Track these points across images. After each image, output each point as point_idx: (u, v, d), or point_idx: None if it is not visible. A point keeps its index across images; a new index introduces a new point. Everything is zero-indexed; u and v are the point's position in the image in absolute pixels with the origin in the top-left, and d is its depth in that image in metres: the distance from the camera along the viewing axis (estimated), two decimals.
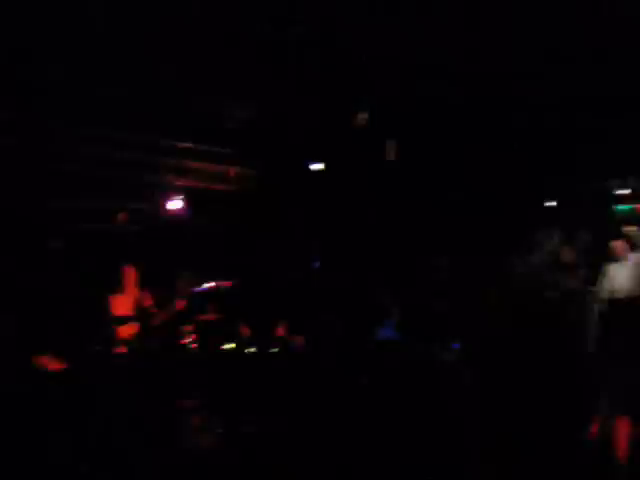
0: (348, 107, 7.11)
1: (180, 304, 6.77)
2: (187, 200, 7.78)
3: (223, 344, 7.99)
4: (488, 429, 6.23)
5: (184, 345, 7.67)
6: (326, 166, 8.28)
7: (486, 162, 8.31)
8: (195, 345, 7.74)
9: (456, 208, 8.60)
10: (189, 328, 7.86)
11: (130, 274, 6.64)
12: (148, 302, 6.70)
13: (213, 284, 7.01)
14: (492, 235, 8.66)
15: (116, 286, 6.58)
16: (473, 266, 8.51)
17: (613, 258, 6.86)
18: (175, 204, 7.69)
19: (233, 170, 8.03)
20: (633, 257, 6.86)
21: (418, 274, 8.75)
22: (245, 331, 8.25)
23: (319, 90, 6.81)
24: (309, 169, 8.20)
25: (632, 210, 9.63)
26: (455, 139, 8.28)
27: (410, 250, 8.83)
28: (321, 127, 7.49)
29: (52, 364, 5.91)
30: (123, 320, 6.50)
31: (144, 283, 6.72)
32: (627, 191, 9.86)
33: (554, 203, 9.44)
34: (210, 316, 8.22)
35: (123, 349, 6.45)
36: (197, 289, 6.91)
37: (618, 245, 6.89)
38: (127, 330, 6.50)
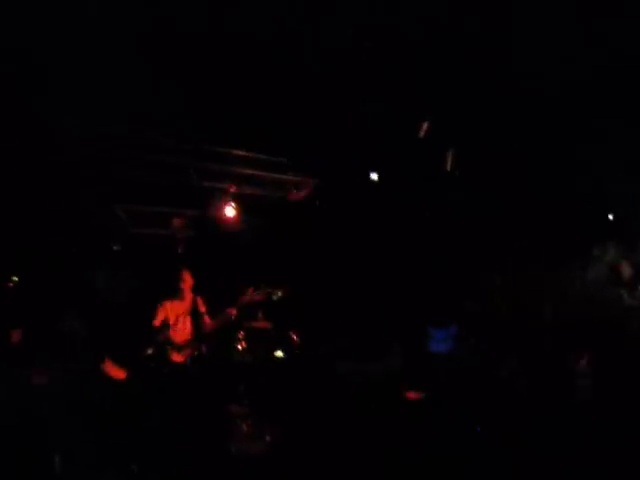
0: (406, 117, 7.07)
1: (233, 311, 6.76)
2: (241, 207, 7.84)
3: (274, 351, 8.04)
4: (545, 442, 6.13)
5: (236, 351, 7.73)
6: (379, 177, 8.24)
7: (543, 174, 8.18)
8: (246, 352, 7.80)
9: (513, 220, 8.47)
10: (241, 335, 7.93)
11: (186, 279, 6.68)
12: (203, 308, 6.72)
13: (265, 291, 6.99)
14: (549, 248, 8.51)
15: (172, 291, 6.63)
16: (530, 279, 8.39)
17: None
18: (230, 211, 7.76)
19: (288, 178, 8.07)
20: None
21: (472, 288, 8.67)
22: (296, 339, 8.29)
23: (377, 99, 6.78)
24: (364, 179, 8.18)
25: None
26: (509, 150, 8.15)
27: (465, 263, 8.75)
28: (376, 136, 7.45)
29: (114, 371, 6.01)
30: (178, 326, 6.54)
31: (199, 289, 6.76)
32: None
33: (610, 216, 9.23)
34: (262, 323, 8.27)
35: (177, 355, 6.49)
36: (249, 296, 6.89)
37: None
38: (181, 336, 6.54)
